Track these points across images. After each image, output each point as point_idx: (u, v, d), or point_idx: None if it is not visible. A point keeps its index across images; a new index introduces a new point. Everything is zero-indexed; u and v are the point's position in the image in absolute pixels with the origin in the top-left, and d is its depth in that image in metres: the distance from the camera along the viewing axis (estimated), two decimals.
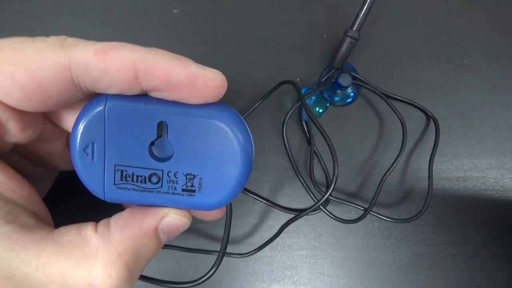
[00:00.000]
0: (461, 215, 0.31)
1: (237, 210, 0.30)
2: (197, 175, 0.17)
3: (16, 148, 0.19)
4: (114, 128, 0.16)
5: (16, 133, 0.17)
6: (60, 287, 0.15)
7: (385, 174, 0.29)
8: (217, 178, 0.17)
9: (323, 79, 0.30)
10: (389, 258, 0.30)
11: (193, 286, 0.20)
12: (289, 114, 0.27)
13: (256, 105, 0.29)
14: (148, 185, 0.17)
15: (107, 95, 0.16)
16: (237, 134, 0.17)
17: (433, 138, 0.31)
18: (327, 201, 0.30)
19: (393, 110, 0.30)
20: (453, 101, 0.32)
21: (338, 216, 0.29)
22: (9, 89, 0.15)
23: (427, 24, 0.32)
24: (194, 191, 0.17)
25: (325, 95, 0.30)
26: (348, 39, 0.28)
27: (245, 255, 0.28)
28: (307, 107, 0.25)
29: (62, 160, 0.22)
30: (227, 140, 0.16)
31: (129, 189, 0.17)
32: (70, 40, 0.15)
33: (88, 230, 0.16)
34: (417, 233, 0.30)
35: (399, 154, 0.29)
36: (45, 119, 0.19)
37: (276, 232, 0.28)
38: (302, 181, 0.29)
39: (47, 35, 0.31)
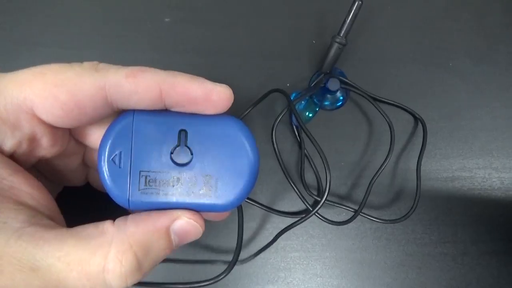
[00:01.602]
0: (450, 215, 0.31)
1: (231, 214, 0.31)
2: (213, 176, 0.19)
3: (37, 163, 0.21)
4: (140, 138, 0.18)
5: (46, 147, 0.19)
6: (79, 275, 0.16)
7: (374, 176, 0.30)
8: (230, 178, 0.19)
9: (312, 84, 0.31)
10: (380, 258, 0.31)
11: (199, 287, 0.22)
12: (278, 120, 0.28)
13: (247, 111, 0.29)
14: (170, 189, 0.18)
15: (134, 110, 0.18)
16: (247, 140, 0.19)
17: (421, 139, 0.31)
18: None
19: (381, 113, 0.30)
20: (440, 103, 0.32)
21: (329, 218, 0.29)
22: (51, 108, 0.17)
23: (413, 28, 0.33)
24: (211, 191, 0.19)
25: (315, 100, 0.31)
26: (336, 44, 0.29)
27: (242, 262, 0.29)
28: (296, 114, 0.26)
29: (73, 176, 0.24)
30: (239, 145, 0.19)
31: (152, 193, 0.18)
32: (103, 65, 0.18)
33: (106, 224, 0.18)
34: (408, 233, 0.31)
35: (387, 156, 0.30)
36: (69, 135, 0.21)
37: (272, 239, 0.28)
38: (293, 186, 0.30)
39: (42, 45, 0.32)
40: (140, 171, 0.18)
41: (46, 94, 0.17)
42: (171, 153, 0.18)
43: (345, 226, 0.31)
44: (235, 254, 0.22)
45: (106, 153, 0.18)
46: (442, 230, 0.31)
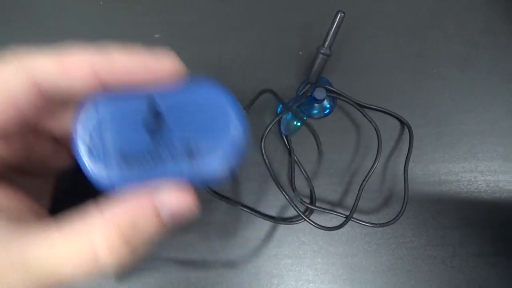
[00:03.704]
0: (438, 218, 0.32)
1: (226, 220, 0.31)
2: (194, 143, 0.17)
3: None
4: (109, 121, 0.17)
5: (4, 153, 0.18)
6: (69, 261, 0.16)
7: (363, 182, 0.31)
8: (213, 143, 0.17)
9: (300, 94, 0.32)
10: (371, 263, 0.31)
11: None
12: (267, 130, 0.28)
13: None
14: (151, 164, 0.17)
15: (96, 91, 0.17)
16: (226, 97, 0.17)
17: (408, 145, 0.32)
18: (310, 211, 0.31)
19: (367, 118, 0.31)
20: (425, 109, 0.33)
21: (321, 224, 0.30)
22: None
23: (398, 37, 0.34)
24: (194, 159, 0.17)
25: (303, 109, 0.32)
26: (321, 55, 0.30)
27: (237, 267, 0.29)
28: (290, 107, 0.26)
29: (55, 159, 0.23)
30: (217, 104, 0.17)
31: (136, 171, 0.17)
32: (23, 53, 0.16)
33: (89, 208, 0.17)
34: (397, 237, 0.31)
35: (374, 162, 0.30)
36: (29, 131, 0.20)
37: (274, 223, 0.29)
38: (284, 194, 0.31)
39: None
40: (117, 151, 0.17)
41: None
42: (144, 127, 0.17)
43: (336, 232, 0.31)
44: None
45: (81, 146, 0.17)
46: (431, 233, 0.32)
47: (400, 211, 0.31)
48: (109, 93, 0.17)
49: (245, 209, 0.31)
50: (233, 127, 0.17)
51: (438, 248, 0.31)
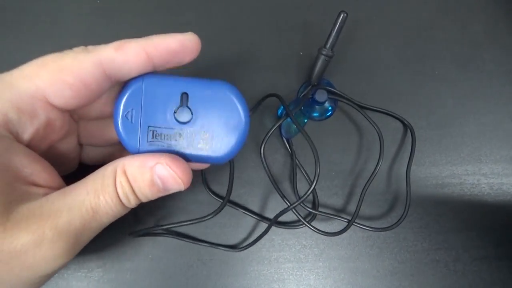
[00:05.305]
0: (441, 221, 0.31)
1: (226, 223, 0.31)
2: (210, 133, 0.22)
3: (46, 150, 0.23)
4: (148, 99, 0.21)
5: (58, 130, 0.22)
6: (104, 198, 0.20)
7: (365, 185, 0.30)
8: (224, 135, 0.22)
9: (301, 96, 0.31)
10: (373, 267, 0.31)
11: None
12: (267, 137, 0.28)
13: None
14: (173, 142, 0.22)
15: (144, 75, 0.21)
16: (239, 103, 0.22)
17: (410, 147, 0.32)
18: (313, 216, 0.31)
19: (369, 120, 0.31)
20: (428, 111, 0.33)
21: (322, 229, 0.29)
22: (61, 91, 0.20)
23: (399, 38, 0.34)
24: (207, 145, 0.22)
25: (304, 111, 0.31)
26: (322, 57, 0.29)
27: (238, 250, 0.30)
28: (293, 117, 0.26)
29: (70, 160, 0.26)
30: (232, 106, 0.22)
31: (158, 145, 0.22)
32: (91, 47, 0.20)
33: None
34: (399, 241, 0.31)
35: (377, 165, 0.30)
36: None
37: (267, 227, 0.29)
38: (285, 200, 0.30)
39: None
40: (148, 126, 0.21)
41: (54, 80, 0.20)
42: (175, 112, 0.21)
43: (337, 235, 0.31)
44: (227, 194, 0.25)
45: (121, 110, 0.21)
46: (434, 237, 0.31)
47: (403, 214, 0.30)
48: (153, 80, 0.21)
49: (246, 212, 0.31)
50: (241, 128, 0.22)
51: (441, 252, 0.31)
